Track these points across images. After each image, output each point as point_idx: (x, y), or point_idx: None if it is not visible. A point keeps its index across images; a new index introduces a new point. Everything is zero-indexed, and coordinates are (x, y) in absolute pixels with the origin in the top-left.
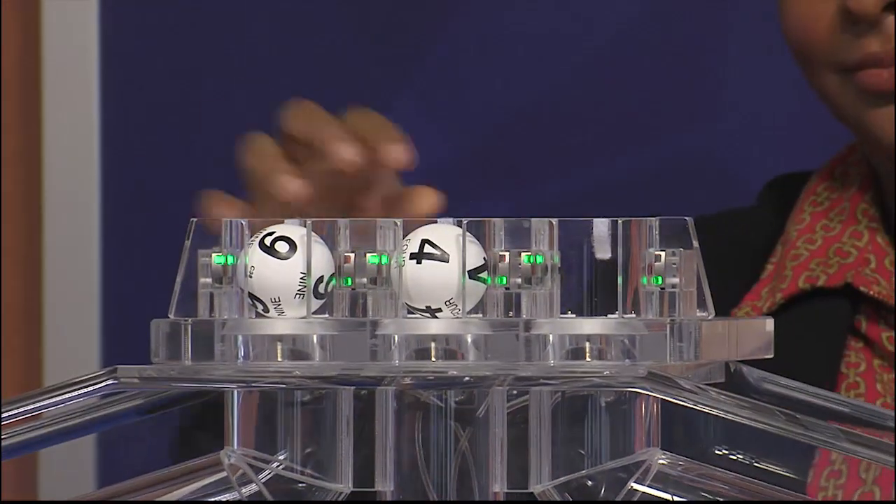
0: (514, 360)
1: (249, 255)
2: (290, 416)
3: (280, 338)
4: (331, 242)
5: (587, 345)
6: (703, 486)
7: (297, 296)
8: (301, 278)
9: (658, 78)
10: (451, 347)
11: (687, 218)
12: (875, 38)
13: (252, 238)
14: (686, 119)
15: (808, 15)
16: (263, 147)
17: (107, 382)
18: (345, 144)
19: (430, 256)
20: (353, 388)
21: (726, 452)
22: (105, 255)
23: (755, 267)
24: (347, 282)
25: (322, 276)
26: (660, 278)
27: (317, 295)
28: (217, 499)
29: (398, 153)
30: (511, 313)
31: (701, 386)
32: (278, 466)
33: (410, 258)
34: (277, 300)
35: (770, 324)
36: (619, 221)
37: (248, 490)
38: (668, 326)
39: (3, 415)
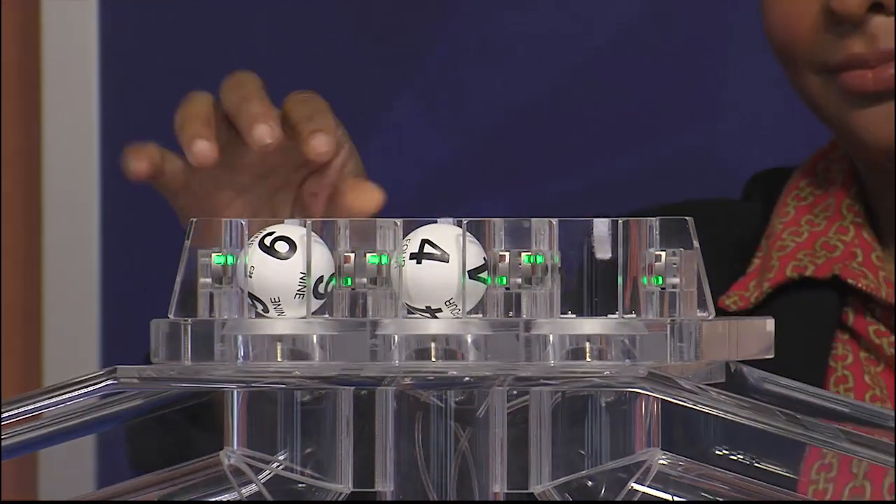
0: (514, 360)
1: (249, 255)
2: (290, 416)
3: (280, 338)
4: (331, 242)
5: (587, 345)
6: (703, 486)
7: (297, 296)
8: (301, 278)
9: (658, 78)
10: (451, 347)
11: (687, 218)
12: (858, 38)
13: (252, 238)
14: (686, 119)
15: (792, 15)
16: (195, 105)
17: (107, 382)
18: (262, 126)
19: (430, 256)
20: (353, 388)
21: (726, 452)
22: (105, 255)
23: (741, 258)
24: (347, 282)
25: (322, 276)
26: (660, 278)
27: (317, 295)
28: (217, 499)
29: (319, 146)
30: (511, 313)
31: (701, 386)
32: (278, 466)
33: (410, 258)
34: (277, 300)
35: (770, 324)
36: (619, 221)
37: (248, 490)
38: (668, 326)
39: (3, 415)
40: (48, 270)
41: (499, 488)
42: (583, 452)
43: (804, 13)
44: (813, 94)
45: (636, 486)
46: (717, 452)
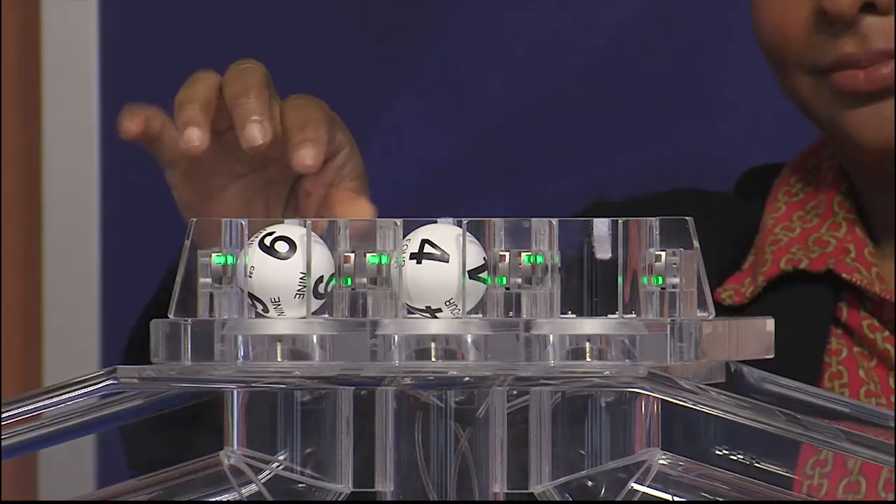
0: (514, 360)
1: (249, 255)
2: (290, 416)
3: (280, 338)
4: (331, 242)
5: (587, 345)
6: (703, 486)
7: (297, 296)
8: (301, 278)
9: (658, 78)
10: (451, 347)
11: (687, 218)
12: (850, 38)
13: (252, 238)
14: (686, 119)
15: (783, 16)
16: (197, 87)
17: (107, 382)
18: (255, 125)
19: (430, 256)
20: (353, 388)
21: (726, 452)
22: (105, 255)
23: (736, 250)
24: (347, 282)
25: (322, 276)
26: (660, 278)
27: (317, 295)
28: (217, 499)
29: (304, 158)
30: (511, 313)
31: (701, 386)
32: (278, 466)
33: (410, 258)
34: (277, 300)
35: (770, 324)
36: (619, 221)
37: (248, 490)
38: (668, 326)
39: (3, 415)
40: (48, 270)
41: (499, 488)
42: (583, 452)
43: (795, 14)
44: (804, 95)
45: (636, 486)
46: (717, 452)
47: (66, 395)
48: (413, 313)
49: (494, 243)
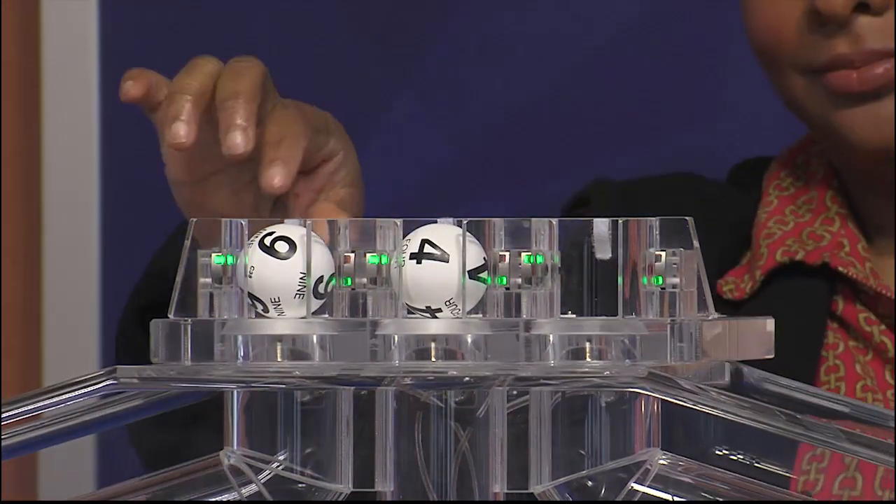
0: (514, 360)
1: (249, 255)
2: (290, 416)
3: (280, 338)
4: (331, 242)
5: (587, 345)
6: (703, 486)
7: (297, 296)
8: (301, 278)
9: (658, 78)
10: (451, 347)
11: (687, 218)
12: (844, 39)
13: (252, 238)
14: (686, 119)
15: (775, 17)
16: (191, 77)
17: (106, 382)
18: (237, 134)
19: (430, 256)
20: (353, 388)
21: (726, 452)
22: (105, 255)
23: (735, 241)
24: (347, 282)
25: (322, 276)
26: (660, 278)
27: (317, 295)
28: (217, 499)
29: (270, 177)
30: (511, 313)
31: (701, 386)
32: (278, 466)
33: (410, 258)
34: (277, 300)
35: (770, 324)
36: (619, 221)
37: (248, 490)
38: (668, 326)
39: (3, 415)
40: (48, 270)
41: (499, 488)
42: (583, 452)
43: (788, 14)
44: (797, 96)
45: (636, 486)
46: (717, 452)
47: (66, 395)
48: (413, 313)
49: (494, 243)
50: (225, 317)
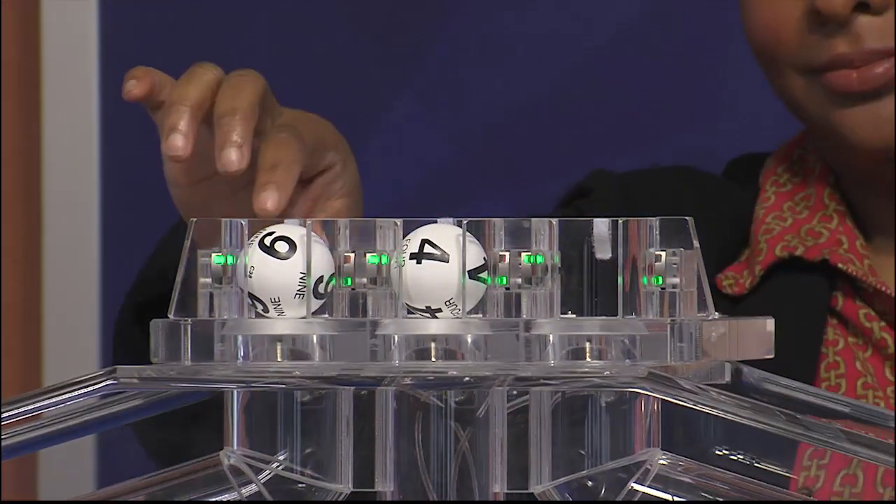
0: (514, 360)
1: (249, 255)
2: (290, 416)
3: (280, 338)
4: (331, 242)
5: (587, 345)
6: (703, 486)
7: (297, 296)
8: (301, 278)
9: (658, 78)
10: (451, 347)
11: (687, 218)
12: (843, 38)
13: (252, 238)
14: (686, 119)
15: (775, 16)
16: (191, 87)
17: (106, 383)
18: (232, 151)
19: (430, 256)
20: (353, 388)
21: (726, 452)
22: (105, 255)
23: (734, 236)
24: (347, 282)
25: (322, 276)
26: (660, 278)
27: (317, 295)
28: (217, 499)
29: (263, 200)
30: (511, 313)
31: (701, 386)
32: (278, 466)
33: (410, 258)
34: (277, 300)
35: (770, 324)
36: (619, 221)
37: (248, 490)
38: (668, 326)
39: (3, 415)
40: (48, 270)
41: (499, 488)
42: (583, 452)
43: (787, 14)
44: (796, 95)
45: (636, 486)
46: (717, 452)
47: (66, 395)
48: (413, 313)
49: (494, 243)
50: (225, 317)
